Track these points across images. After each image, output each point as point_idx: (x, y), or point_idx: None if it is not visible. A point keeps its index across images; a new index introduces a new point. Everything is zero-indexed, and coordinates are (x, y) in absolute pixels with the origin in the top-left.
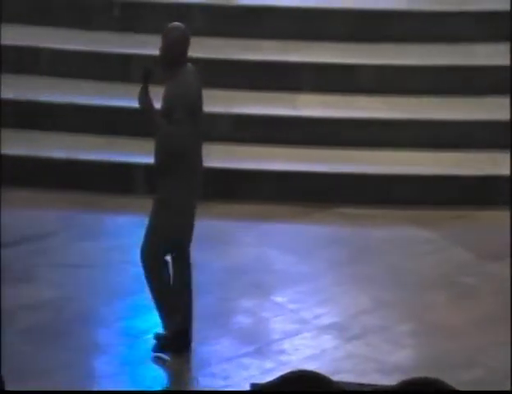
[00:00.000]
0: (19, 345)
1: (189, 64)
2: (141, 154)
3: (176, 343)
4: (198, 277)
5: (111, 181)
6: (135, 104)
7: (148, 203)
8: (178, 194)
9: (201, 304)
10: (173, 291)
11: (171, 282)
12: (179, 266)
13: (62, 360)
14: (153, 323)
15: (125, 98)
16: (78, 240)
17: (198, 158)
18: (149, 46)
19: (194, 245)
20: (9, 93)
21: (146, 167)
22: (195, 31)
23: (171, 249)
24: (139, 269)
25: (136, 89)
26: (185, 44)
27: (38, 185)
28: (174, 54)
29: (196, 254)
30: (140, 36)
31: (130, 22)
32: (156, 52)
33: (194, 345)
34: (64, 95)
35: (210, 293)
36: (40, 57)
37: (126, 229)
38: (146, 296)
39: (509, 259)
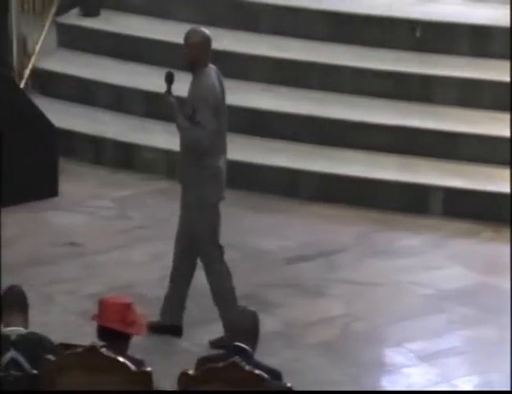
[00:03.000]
0: (310, 358)
1: (211, 65)
2: (439, 176)
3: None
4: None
5: (407, 201)
6: (433, 125)
7: (444, 226)
8: (202, 192)
9: (432, 321)
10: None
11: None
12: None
13: (349, 375)
14: (442, 348)
15: (423, 118)
16: (369, 258)
17: (222, 156)
18: (448, 67)
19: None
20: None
21: (444, 189)
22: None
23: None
24: (428, 291)
25: (436, 110)
26: (206, 48)
27: (338, 201)
28: (196, 57)
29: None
30: (440, 57)
31: (431, 43)
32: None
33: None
34: (359, 113)
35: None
36: (340, 74)
37: (419, 250)
38: (436, 319)
39: None
